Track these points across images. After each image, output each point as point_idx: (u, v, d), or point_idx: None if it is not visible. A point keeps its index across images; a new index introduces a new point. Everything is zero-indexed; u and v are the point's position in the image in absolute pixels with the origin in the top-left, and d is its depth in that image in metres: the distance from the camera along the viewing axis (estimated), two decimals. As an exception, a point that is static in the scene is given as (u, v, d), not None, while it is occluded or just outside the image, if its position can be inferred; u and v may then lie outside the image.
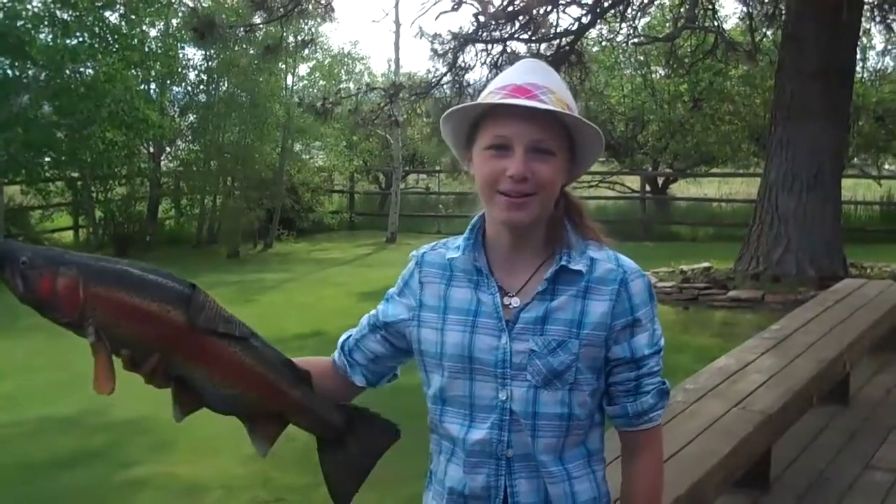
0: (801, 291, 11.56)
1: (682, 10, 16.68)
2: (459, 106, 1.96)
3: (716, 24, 16.44)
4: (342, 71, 25.83)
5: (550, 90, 1.91)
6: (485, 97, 1.94)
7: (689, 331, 11.00)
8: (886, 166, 23.45)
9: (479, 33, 14.66)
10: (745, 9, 16.23)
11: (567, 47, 14.92)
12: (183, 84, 22.35)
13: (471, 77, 15.26)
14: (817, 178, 12.49)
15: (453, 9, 14.74)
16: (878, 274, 12.90)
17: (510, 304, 1.96)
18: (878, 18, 15.71)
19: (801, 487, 4.95)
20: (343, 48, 27.20)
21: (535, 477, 1.95)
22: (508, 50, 14.99)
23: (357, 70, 26.90)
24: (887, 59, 21.94)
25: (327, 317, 11.93)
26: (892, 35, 16.32)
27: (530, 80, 1.92)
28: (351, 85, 24.03)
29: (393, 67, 23.22)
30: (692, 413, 4.23)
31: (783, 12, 14.16)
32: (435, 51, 14.76)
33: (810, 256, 12.50)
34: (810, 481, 5.05)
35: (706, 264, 14.04)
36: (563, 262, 1.95)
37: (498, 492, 1.96)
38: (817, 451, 5.50)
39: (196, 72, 22.26)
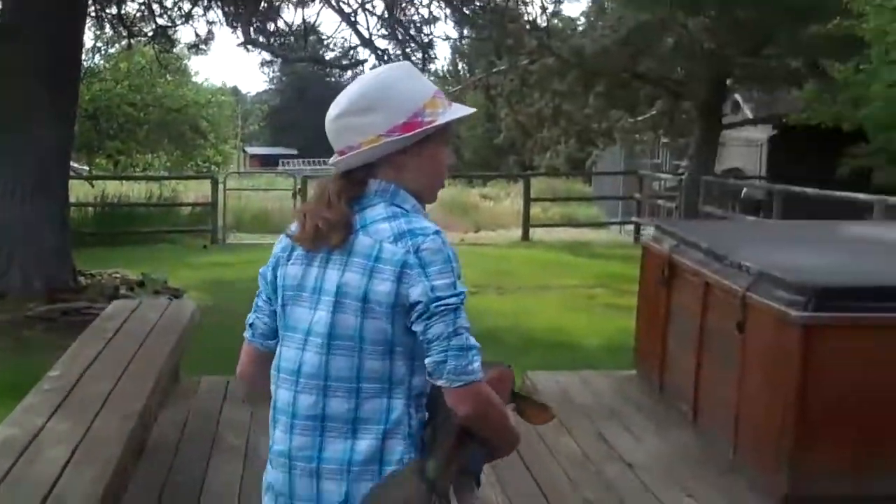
0: (31, 307, 10.70)
1: None
2: (470, 111, 2.36)
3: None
4: None
5: None
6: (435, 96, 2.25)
7: None
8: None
9: None
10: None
11: None
12: None
13: None
14: (44, 183, 11.58)
15: None
16: (109, 281, 12.45)
17: None
18: (93, 13, 15.08)
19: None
20: None
21: None
22: None
23: None
24: (97, 57, 21.67)
25: None
26: (105, 33, 15.91)
27: None
28: None
29: None
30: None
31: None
32: None
33: (35, 267, 11.56)
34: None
35: None
36: None
37: None
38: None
39: None
